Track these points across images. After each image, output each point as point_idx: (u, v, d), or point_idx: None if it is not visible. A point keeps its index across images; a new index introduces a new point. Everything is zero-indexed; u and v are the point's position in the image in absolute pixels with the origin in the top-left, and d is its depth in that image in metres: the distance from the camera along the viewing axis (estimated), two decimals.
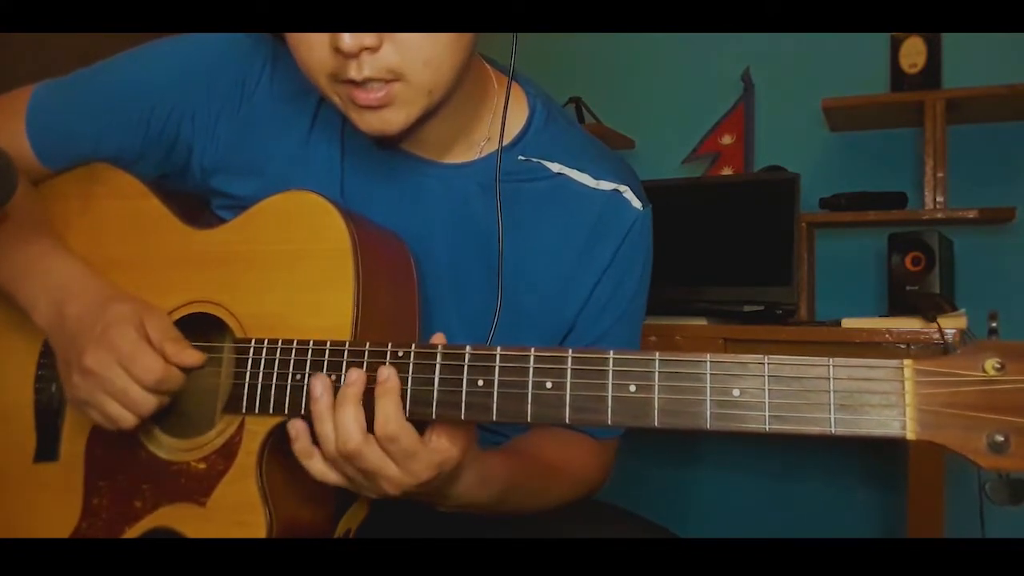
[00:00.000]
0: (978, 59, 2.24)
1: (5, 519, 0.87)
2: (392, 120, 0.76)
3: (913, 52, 2.26)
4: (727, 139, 2.51)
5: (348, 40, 0.70)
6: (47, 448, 0.87)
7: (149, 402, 0.76)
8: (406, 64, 0.73)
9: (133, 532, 0.81)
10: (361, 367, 0.71)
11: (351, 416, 0.68)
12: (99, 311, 0.78)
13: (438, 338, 0.71)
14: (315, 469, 0.72)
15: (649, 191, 0.94)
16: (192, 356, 0.79)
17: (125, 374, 0.75)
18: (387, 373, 0.68)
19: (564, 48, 2.64)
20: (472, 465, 0.73)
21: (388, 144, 0.86)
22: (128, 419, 0.77)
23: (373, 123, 0.76)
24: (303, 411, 0.74)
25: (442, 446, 0.69)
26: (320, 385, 0.70)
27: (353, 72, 0.72)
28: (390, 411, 0.67)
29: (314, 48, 0.74)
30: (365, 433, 0.68)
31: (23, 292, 0.84)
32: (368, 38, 0.70)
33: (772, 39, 2.45)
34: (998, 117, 2.25)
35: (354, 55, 0.71)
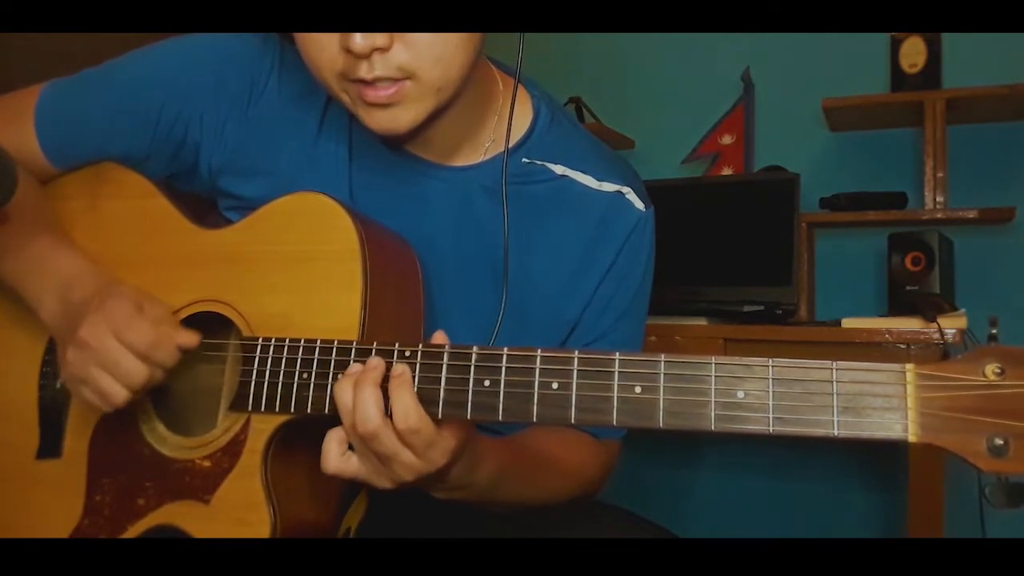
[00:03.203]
0: (978, 59, 2.24)
1: (6, 516, 0.88)
2: (401, 118, 0.76)
3: (913, 52, 2.26)
4: (727, 139, 2.51)
5: (360, 41, 0.70)
6: (50, 445, 0.87)
7: (141, 372, 0.75)
8: (416, 62, 0.73)
9: (136, 529, 0.81)
10: None
11: (370, 397, 0.68)
12: (99, 292, 0.78)
13: (439, 336, 0.72)
14: (331, 456, 0.71)
15: (649, 191, 0.94)
16: (185, 336, 0.78)
17: (117, 343, 0.75)
18: (401, 368, 0.69)
19: (564, 48, 2.64)
20: (470, 445, 0.73)
21: (395, 143, 0.87)
22: (120, 393, 0.75)
23: (382, 121, 0.76)
24: (308, 410, 0.75)
25: (453, 431, 0.70)
26: (355, 366, 0.71)
27: (364, 71, 0.73)
28: (409, 404, 0.68)
29: (324, 48, 0.74)
30: (384, 416, 0.68)
31: (29, 289, 0.84)
32: (379, 38, 0.71)
33: (772, 39, 2.45)
34: (998, 117, 2.25)
35: (365, 55, 0.71)
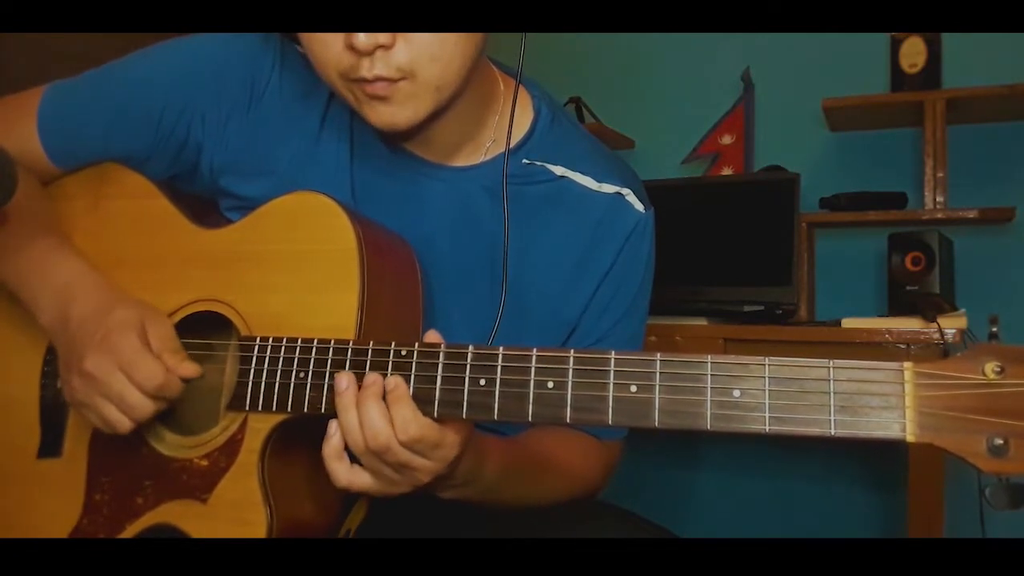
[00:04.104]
0: (978, 59, 2.24)
1: (6, 515, 0.88)
2: (400, 114, 0.76)
3: (913, 52, 2.26)
4: (727, 139, 2.51)
5: (363, 39, 0.71)
6: (51, 444, 0.87)
7: (146, 408, 0.77)
8: (416, 61, 0.73)
9: (134, 528, 0.81)
10: (365, 366, 0.72)
11: (376, 411, 0.69)
12: (102, 315, 0.78)
13: (432, 336, 0.72)
14: (340, 473, 0.72)
15: (649, 191, 0.94)
16: (189, 368, 0.79)
17: (124, 379, 0.76)
18: (395, 382, 0.69)
19: (564, 48, 2.64)
20: (471, 443, 0.74)
21: (397, 140, 0.87)
22: (124, 424, 0.77)
23: (383, 116, 0.77)
24: (305, 409, 0.75)
25: (456, 426, 0.70)
26: (345, 379, 0.70)
27: (365, 70, 0.73)
28: (407, 415, 0.68)
29: (328, 46, 0.74)
30: (391, 427, 0.68)
31: (27, 291, 0.84)
32: (383, 36, 0.71)
33: (772, 39, 2.45)
34: (998, 117, 2.25)
35: (368, 53, 0.72)
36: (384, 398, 0.69)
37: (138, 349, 0.76)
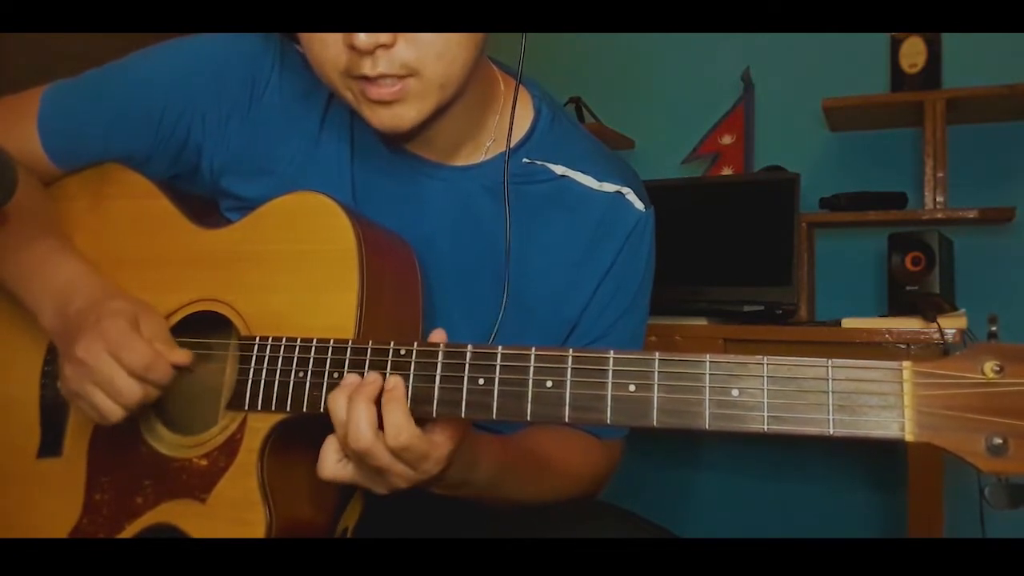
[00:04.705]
0: (978, 59, 2.24)
1: (6, 515, 0.88)
2: (404, 115, 0.76)
3: (913, 52, 2.26)
4: (727, 139, 2.51)
5: (364, 38, 0.71)
6: (51, 444, 0.87)
7: (134, 392, 0.75)
8: (419, 59, 0.73)
9: (134, 528, 0.81)
10: (364, 366, 0.72)
11: (363, 414, 0.68)
12: (96, 306, 0.78)
13: (438, 334, 0.72)
14: (328, 464, 0.72)
15: (649, 191, 0.95)
16: (180, 354, 0.78)
17: (113, 363, 0.75)
18: (394, 382, 0.69)
19: (564, 48, 2.64)
20: (466, 444, 0.73)
21: (397, 141, 0.87)
22: (115, 410, 0.76)
23: (385, 119, 0.76)
24: (304, 408, 0.75)
25: (444, 440, 0.70)
26: (353, 376, 0.71)
27: (367, 68, 0.73)
28: (400, 421, 0.68)
29: (328, 45, 0.74)
30: (376, 432, 0.68)
31: (29, 293, 0.84)
32: (383, 36, 0.71)
33: (772, 39, 2.45)
34: (998, 117, 2.25)
35: (369, 52, 0.72)
36: (380, 397, 0.69)
37: (127, 332, 0.76)
